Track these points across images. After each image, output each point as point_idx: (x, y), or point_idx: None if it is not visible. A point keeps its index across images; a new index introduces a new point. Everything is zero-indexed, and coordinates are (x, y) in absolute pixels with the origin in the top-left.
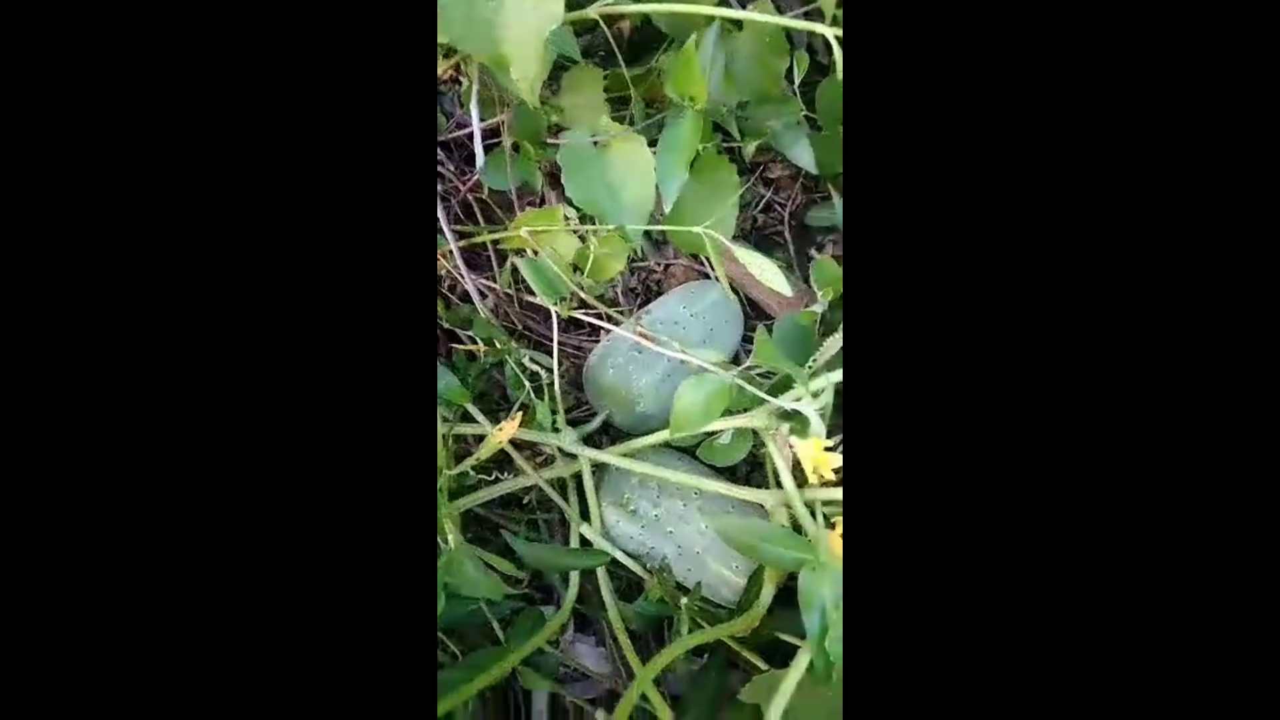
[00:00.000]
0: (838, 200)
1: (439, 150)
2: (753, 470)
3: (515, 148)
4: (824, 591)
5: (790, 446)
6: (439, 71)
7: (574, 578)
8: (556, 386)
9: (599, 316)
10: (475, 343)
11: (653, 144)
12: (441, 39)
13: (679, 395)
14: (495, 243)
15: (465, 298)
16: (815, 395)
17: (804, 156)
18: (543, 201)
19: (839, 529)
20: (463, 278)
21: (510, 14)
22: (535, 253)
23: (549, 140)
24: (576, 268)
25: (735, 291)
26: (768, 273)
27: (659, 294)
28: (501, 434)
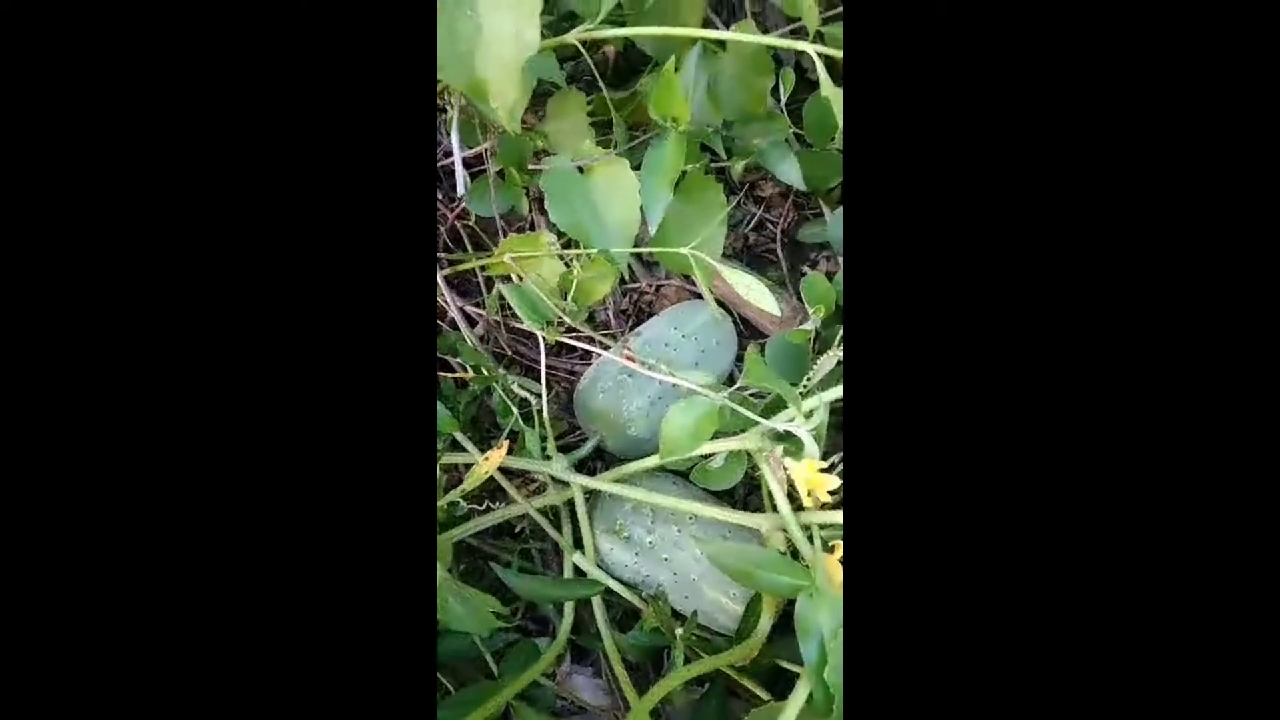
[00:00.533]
0: (830, 216)
1: None
2: (750, 493)
3: (501, 174)
4: (822, 619)
5: (784, 469)
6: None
7: (568, 608)
8: (545, 412)
9: (588, 340)
10: (465, 370)
11: (637, 167)
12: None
13: (668, 419)
14: (483, 269)
15: (454, 325)
16: (808, 416)
17: (792, 173)
18: (532, 227)
19: (837, 553)
20: (449, 304)
21: (488, 43)
22: (520, 278)
23: (534, 166)
24: (564, 293)
25: (728, 311)
26: (755, 292)
27: (651, 315)
28: (488, 463)
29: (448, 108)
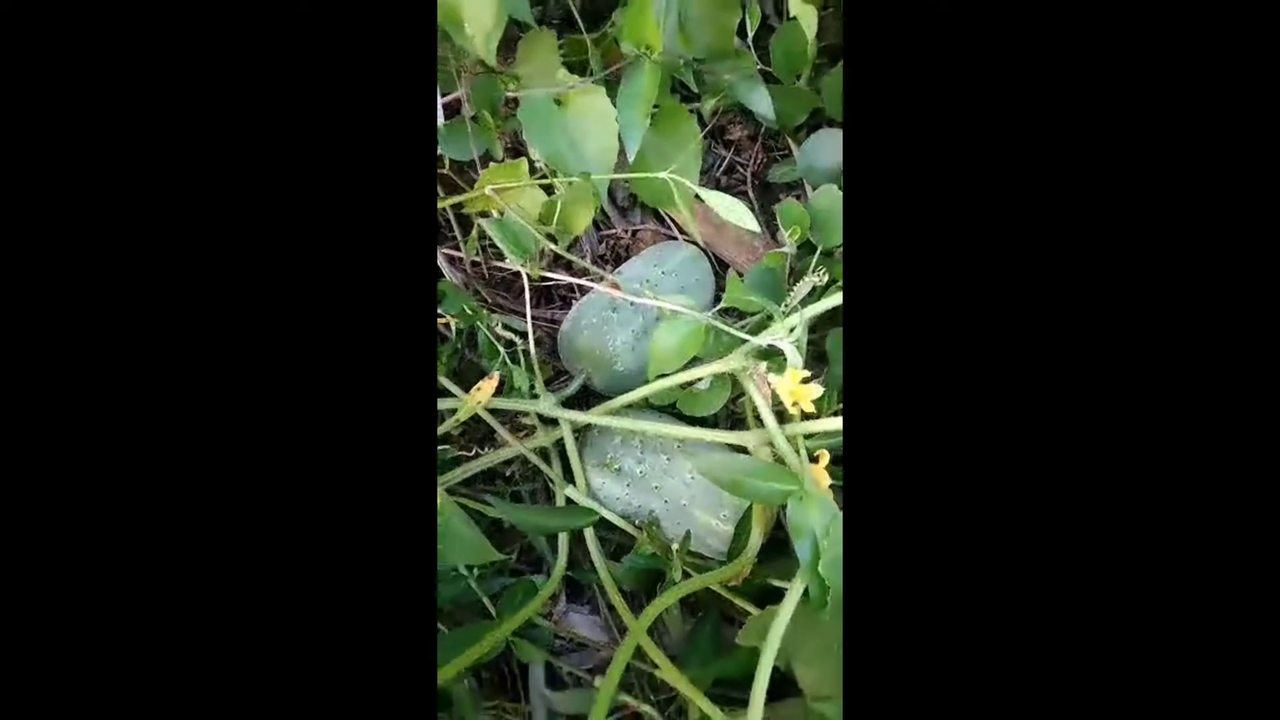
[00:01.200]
0: (798, 153)
1: None
2: (732, 425)
3: (474, 118)
4: (813, 519)
5: (769, 384)
6: None
7: (563, 545)
8: (532, 351)
9: (575, 274)
10: (446, 318)
11: (612, 100)
12: None
13: (655, 338)
14: (459, 214)
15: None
16: (791, 332)
17: (763, 105)
18: None
19: (823, 460)
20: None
21: None
22: (500, 214)
23: (507, 111)
24: (543, 223)
25: (704, 251)
26: (735, 211)
27: (628, 259)
28: (480, 394)
29: None
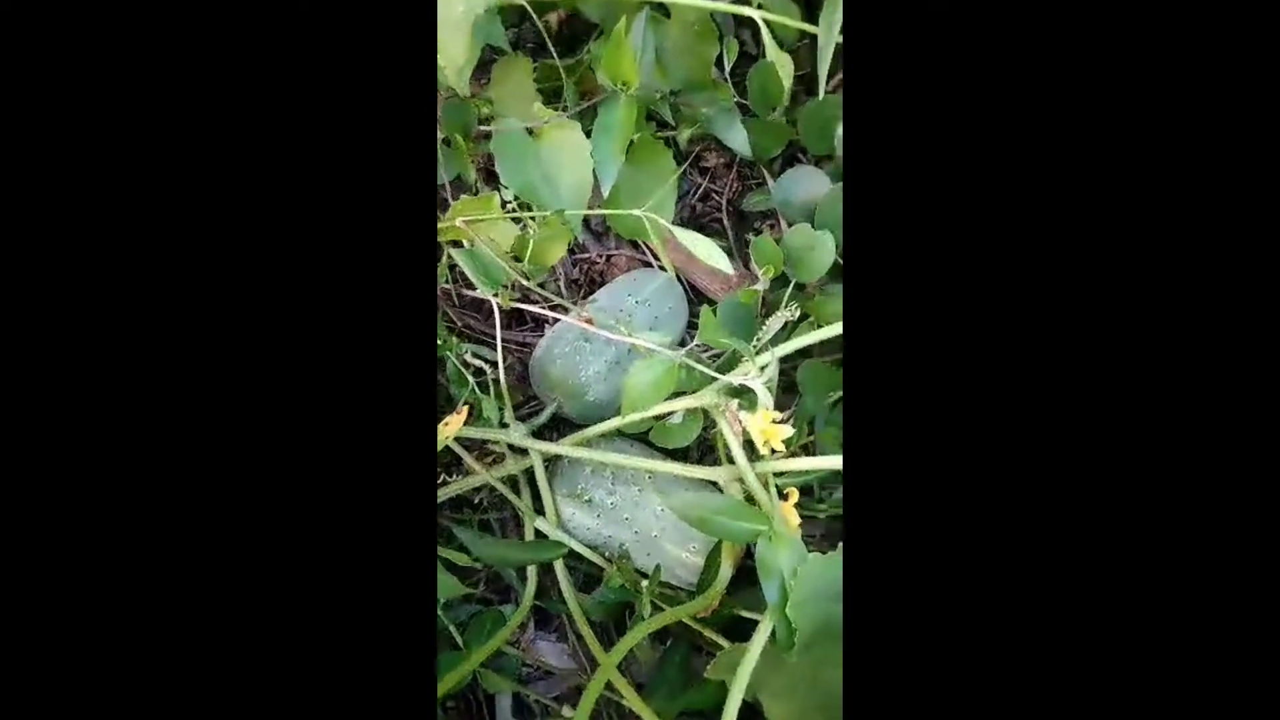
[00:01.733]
0: (772, 184)
1: None
2: (703, 456)
3: (446, 143)
4: (781, 559)
5: (740, 422)
6: None
7: (532, 574)
8: (502, 380)
9: (545, 306)
10: None
11: (587, 134)
12: None
13: (630, 376)
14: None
15: None
16: (762, 369)
17: (738, 140)
18: (476, 194)
19: (792, 499)
20: None
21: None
22: (471, 243)
23: (480, 133)
24: (516, 258)
25: (678, 278)
26: (709, 251)
27: (601, 285)
28: (448, 428)
29: None
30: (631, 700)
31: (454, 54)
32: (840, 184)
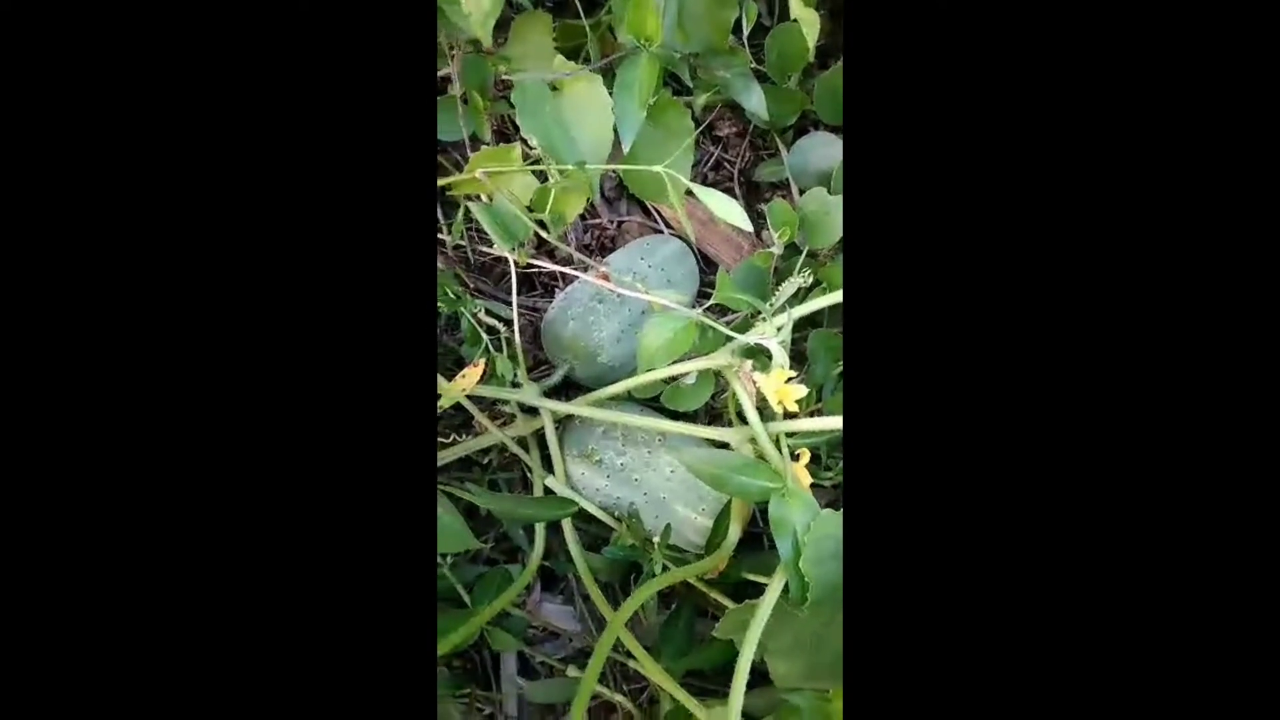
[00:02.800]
0: (785, 153)
1: None
2: (711, 422)
3: (464, 99)
4: (794, 517)
5: (754, 382)
6: None
7: (539, 534)
8: (516, 338)
9: (562, 261)
10: None
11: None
12: None
13: (645, 333)
14: (444, 196)
15: None
16: (778, 331)
17: (755, 102)
18: None
19: (803, 460)
20: None
21: None
22: (490, 198)
23: (498, 94)
24: (531, 209)
25: (690, 247)
26: (729, 209)
27: (613, 250)
28: (464, 380)
29: None
30: (640, 657)
31: (479, 2)
32: None
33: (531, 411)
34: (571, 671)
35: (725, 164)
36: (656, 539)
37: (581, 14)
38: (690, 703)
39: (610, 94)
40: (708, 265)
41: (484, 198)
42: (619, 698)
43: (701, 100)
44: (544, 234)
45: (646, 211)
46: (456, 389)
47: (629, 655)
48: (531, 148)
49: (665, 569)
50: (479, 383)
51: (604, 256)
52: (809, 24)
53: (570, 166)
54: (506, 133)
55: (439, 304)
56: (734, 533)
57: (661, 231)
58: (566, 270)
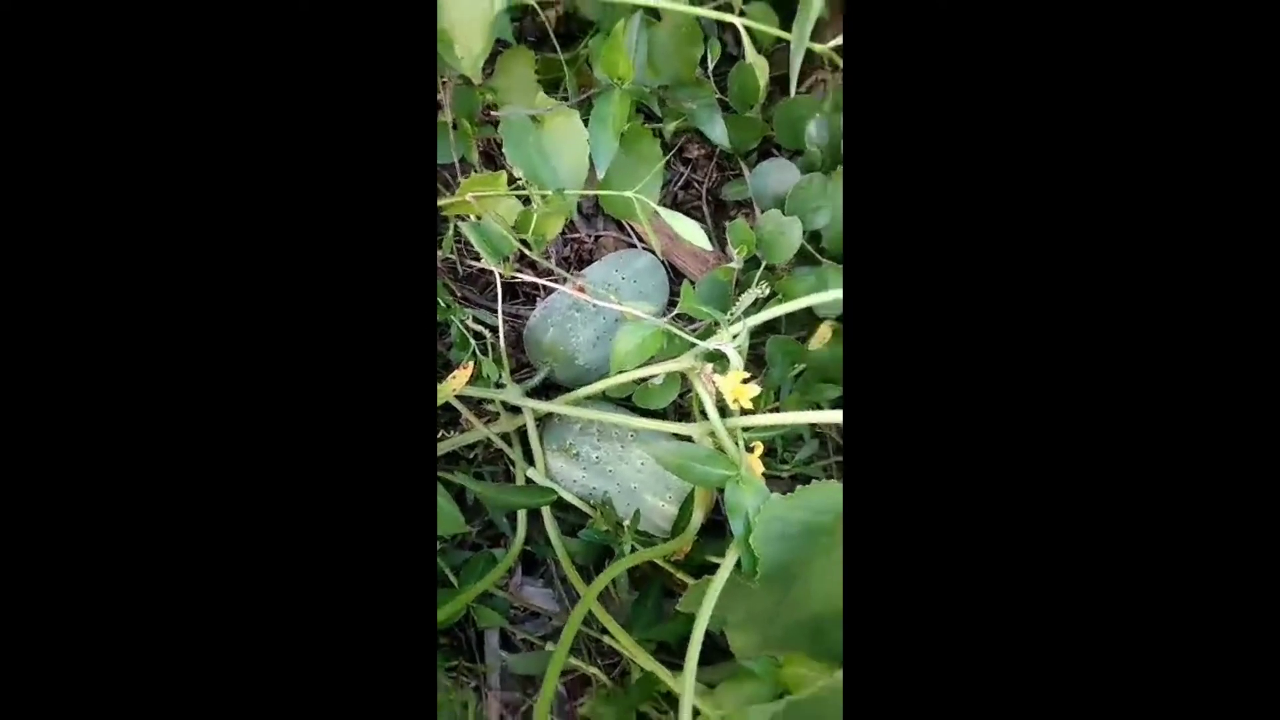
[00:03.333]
0: (748, 175)
1: None
2: (679, 418)
3: (454, 125)
4: (747, 500)
5: (714, 383)
6: None
7: (521, 522)
8: (502, 344)
9: (544, 275)
10: None
11: (584, 122)
12: None
13: (619, 338)
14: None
15: None
16: (734, 337)
17: (718, 133)
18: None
19: (757, 452)
20: None
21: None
22: (479, 218)
23: (484, 119)
24: (516, 229)
25: (660, 260)
26: (692, 231)
27: (591, 262)
28: (455, 381)
29: None
30: (612, 629)
31: (471, 45)
32: (810, 175)
33: (514, 410)
34: (550, 647)
35: (694, 183)
36: (627, 524)
37: (559, 50)
38: (658, 668)
39: (586, 125)
40: (677, 277)
41: (472, 217)
42: (593, 670)
43: (671, 127)
44: (531, 253)
45: (621, 227)
46: (448, 389)
47: (603, 632)
48: (516, 175)
49: (634, 550)
50: (467, 384)
51: (582, 268)
52: (761, 68)
53: (550, 193)
54: (492, 154)
55: (439, 313)
56: (697, 518)
57: (635, 246)
58: (547, 282)
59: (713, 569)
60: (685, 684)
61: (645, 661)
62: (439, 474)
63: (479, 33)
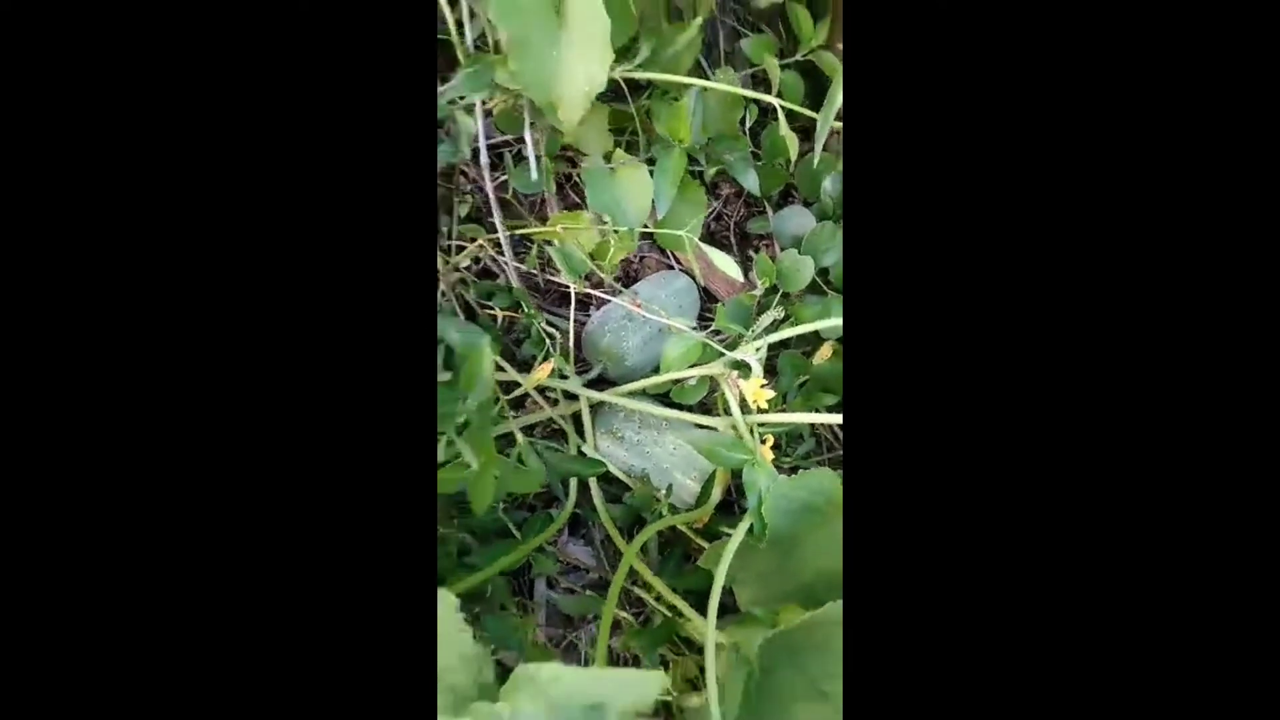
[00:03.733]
0: (771, 214)
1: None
2: (705, 412)
3: (538, 160)
4: (760, 480)
5: (737, 386)
6: (492, 105)
7: (573, 489)
8: (570, 345)
9: (607, 291)
10: (496, 312)
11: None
12: (511, 85)
13: (668, 347)
14: (522, 237)
15: (483, 275)
16: (756, 350)
17: (751, 182)
18: (544, 203)
19: (769, 443)
20: (498, 259)
21: (566, 76)
22: (563, 243)
23: (559, 155)
24: (592, 258)
25: (694, 282)
26: (725, 263)
27: (636, 279)
28: (541, 372)
29: (491, 104)
30: (647, 577)
31: (572, 115)
32: (823, 222)
33: (573, 397)
34: (589, 594)
35: (724, 216)
36: (661, 495)
37: (630, 102)
38: (685, 608)
39: (650, 175)
40: (708, 297)
41: (556, 242)
42: (623, 614)
43: (711, 172)
44: (601, 274)
45: (661, 251)
46: (535, 378)
47: (633, 584)
48: (594, 214)
49: (661, 516)
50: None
51: (628, 284)
52: (791, 141)
53: (622, 229)
54: (564, 184)
55: (509, 314)
56: (716, 495)
57: (673, 268)
58: (605, 296)
59: (725, 537)
60: (709, 620)
61: (675, 601)
62: (521, 438)
63: (580, 105)
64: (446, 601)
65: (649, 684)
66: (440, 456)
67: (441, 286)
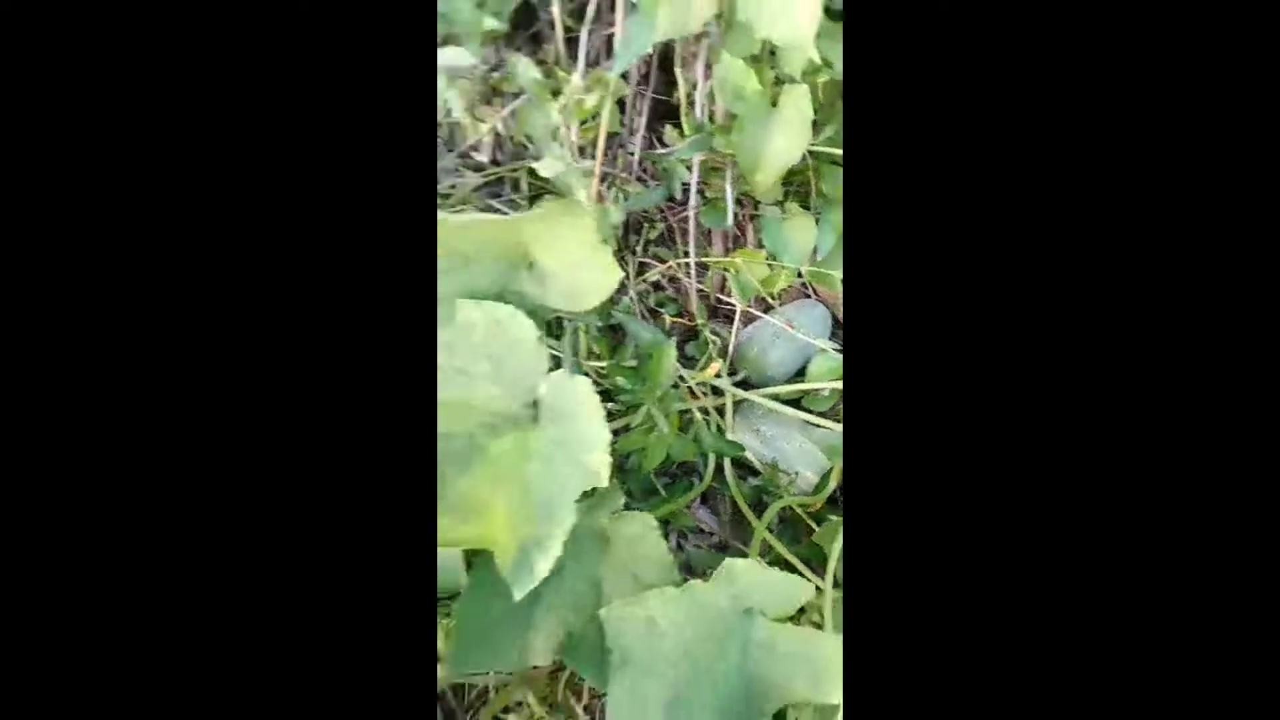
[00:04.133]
0: None
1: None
2: (833, 419)
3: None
4: None
5: None
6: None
7: (710, 465)
8: (730, 352)
9: (762, 310)
10: (666, 319)
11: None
12: (725, 149)
13: (816, 363)
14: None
15: (656, 286)
16: None
17: None
18: (709, 235)
19: None
20: (691, 285)
21: (770, 148)
22: (739, 273)
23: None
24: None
25: (828, 310)
26: None
27: (769, 307)
28: (713, 368)
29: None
30: (774, 544)
31: (769, 177)
32: None
33: (720, 393)
34: (712, 552)
35: None
36: (785, 482)
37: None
38: (803, 568)
39: (816, 224)
40: (836, 324)
41: (734, 271)
42: None
43: None
44: (769, 300)
45: (803, 282)
46: (707, 374)
47: (743, 554)
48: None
49: (780, 499)
50: (697, 370)
51: (768, 308)
52: None
53: (789, 265)
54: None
55: (699, 326)
56: (831, 485)
57: (809, 296)
58: (759, 314)
59: (830, 521)
60: (828, 581)
61: (794, 561)
62: (699, 416)
63: (776, 173)
64: (646, 522)
65: (797, 588)
66: (615, 426)
67: (630, 293)
